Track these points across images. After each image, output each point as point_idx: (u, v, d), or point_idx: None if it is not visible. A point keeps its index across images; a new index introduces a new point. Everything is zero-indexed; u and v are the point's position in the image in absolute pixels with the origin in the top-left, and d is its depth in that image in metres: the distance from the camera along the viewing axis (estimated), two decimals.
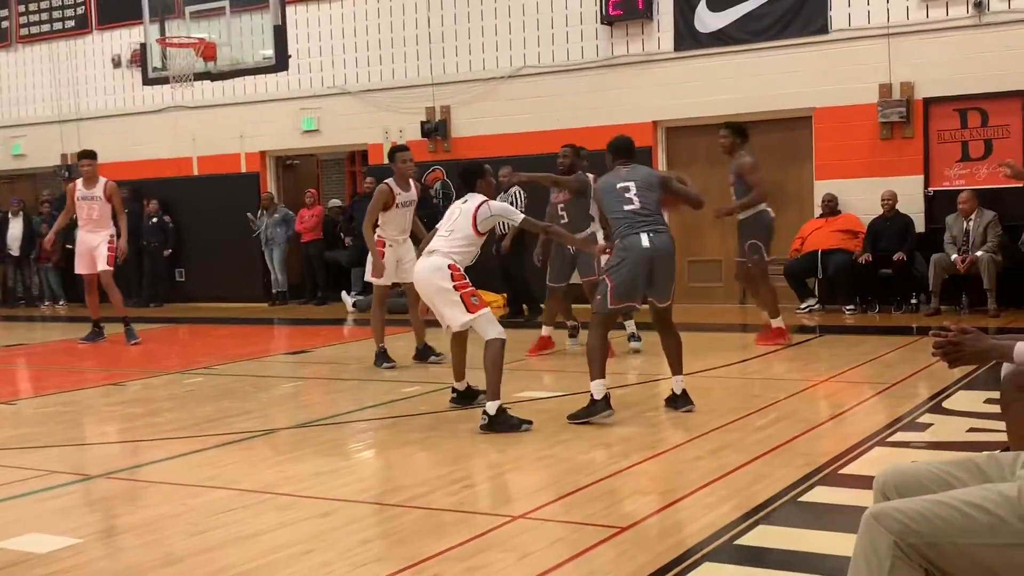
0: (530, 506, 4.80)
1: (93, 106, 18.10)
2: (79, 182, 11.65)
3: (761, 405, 7.01)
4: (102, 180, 11.62)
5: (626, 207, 6.70)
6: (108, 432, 7.11)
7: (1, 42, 18.98)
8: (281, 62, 12.34)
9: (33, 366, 11.11)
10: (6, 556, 4.31)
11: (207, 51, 12.15)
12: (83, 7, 18.08)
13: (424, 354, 9.40)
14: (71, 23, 18.25)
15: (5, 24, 18.87)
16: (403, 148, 9.46)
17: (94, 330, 11.83)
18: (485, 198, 6.92)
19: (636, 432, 6.37)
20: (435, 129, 15.13)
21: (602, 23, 14.00)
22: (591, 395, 6.55)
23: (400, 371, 9.05)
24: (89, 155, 11.70)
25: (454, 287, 6.55)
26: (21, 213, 17.97)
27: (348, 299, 15.09)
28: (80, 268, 11.80)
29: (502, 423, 6.34)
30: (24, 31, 18.76)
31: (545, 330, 9.80)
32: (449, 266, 6.61)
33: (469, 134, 15.00)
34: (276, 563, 4.10)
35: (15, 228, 17.93)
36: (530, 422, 6.42)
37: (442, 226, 6.89)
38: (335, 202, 16.85)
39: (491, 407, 6.37)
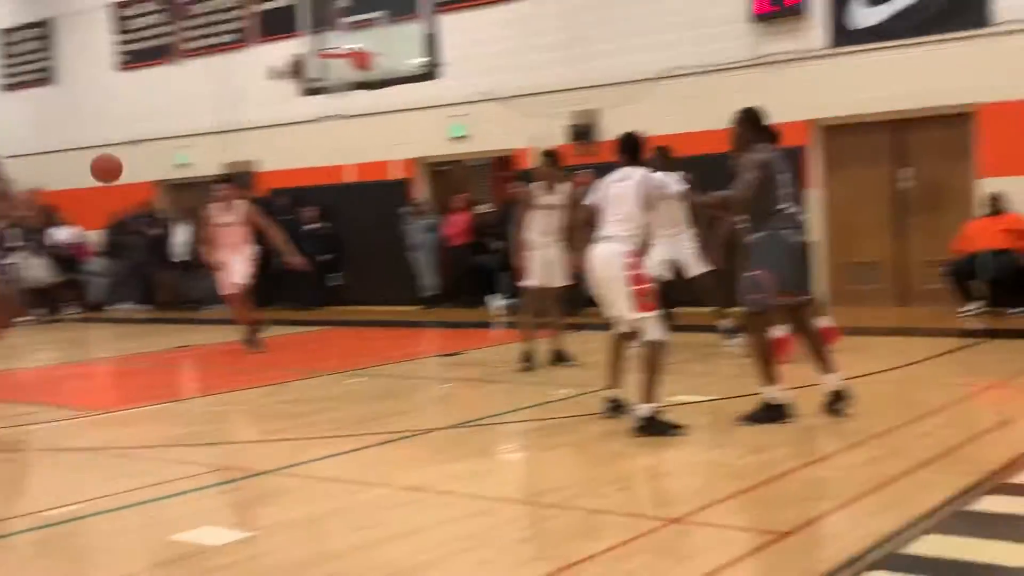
0: (685, 511, 4.78)
1: (253, 116, 18.79)
2: (214, 207, 11.54)
3: (923, 411, 6.79)
4: (239, 204, 11.57)
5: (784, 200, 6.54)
6: (273, 430, 7.38)
7: (167, 56, 19.91)
8: (433, 70, 12.55)
9: (200, 367, 11.62)
10: (182, 548, 4.54)
11: (362, 61, 12.48)
12: (244, 21, 18.82)
13: (559, 359, 9.45)
14: (231, 37, 19.01)
15: (172, 40, 19.79)
16: (547, 152, 9.55)
17: (254, 336, 11.76)
18: (646, 171, 6.75)
19: (792, 437, 6.26)
20: (584, 133, 15.17)
21: (752, 21, 13.80)
22: (767, 400, 6.45)
23: (550, 374, 9.12)
24: (226, 179, 11.76)
25: (630, 279, 6.42)
26: (186, 220, 18.77)
27: (495, 303, 15.26)
28: (225, 291, 11.74)
29: (655, 427, 6.31)
30: (187, 45, 19.63)
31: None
32: (627, 253, 6.46)
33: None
34: (437, 560, 4.20)
35: (181, 234, 18.76)
36: (684, 427, 6.37)
37: (609, 211, 6.67)
38: (483, 207, 17.08)
39: (645, 410, 6.34)
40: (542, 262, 9.30)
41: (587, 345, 9.77)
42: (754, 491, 5.07)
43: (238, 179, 18.80)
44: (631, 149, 6.84)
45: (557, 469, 5.87)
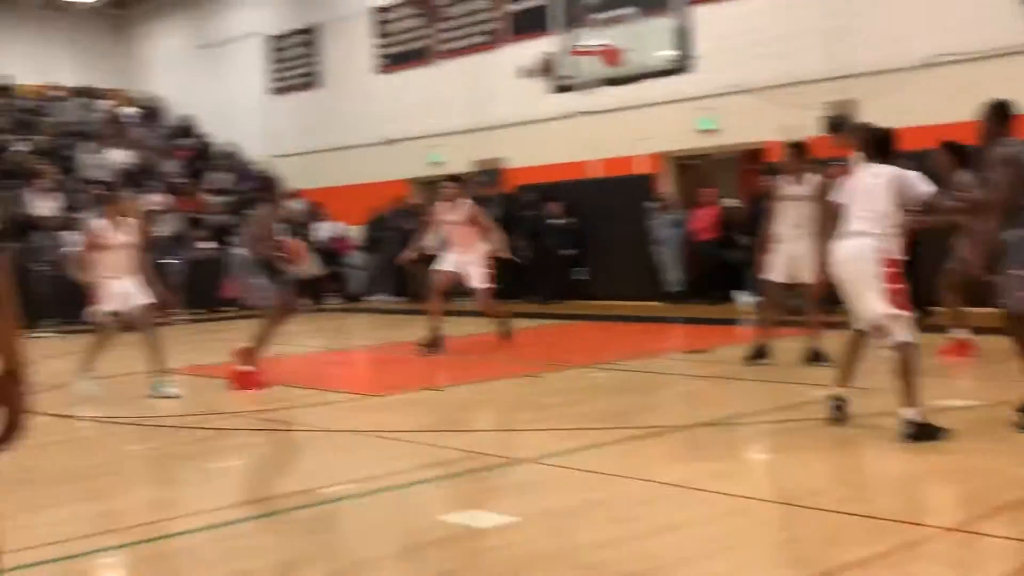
0: (960, 519, 4.57)
1: (503, 114, 19.26)
2: (441, 206, 11.61)
3: None
4: (464, 203, 11.55)
5: None
6: (529, 419, 7.57)
7: (422, 59, 20.72)
8: (684, 64, 12.47)
9: (452, 356, 12.02)
10: (450, 529, 4.74)
11: (612, 57, 12.55)
12: (495, 22, 19.32)
13: (815, 358, 9.18)
14: (485, 37, 19.56)
15: (427, 43, 20.57)
16: (794, 144, 9.35)
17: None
18: (898, 169, 6.49)
19: None
20: (839, 124, 14.67)
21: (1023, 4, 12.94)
22: None
23: (803, 372, 8.89)
24: (454, 178, 11.92)
25: (884, 277, 6.21)
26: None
27: (742, 299, 15.01)
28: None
29: (923, 431, 6.04)
30: (443, 47, 20.35)
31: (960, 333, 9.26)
32: (880, 249, 6.24)
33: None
34: (694, 557, 4.20)
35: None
36: (951, 431, 6.08)
37: (857, 206, 6.44)
38: (730, 201, 16.82)
39: (910, 414, 6.09)
40: (787, 257, 9.10)
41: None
42: None
43: (486, 176, 19.43)
44: (881, 144, 6.61)
45: (813, 471, 5.73)
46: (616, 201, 17.34)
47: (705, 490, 5.22)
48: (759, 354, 9.40)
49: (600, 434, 6.69)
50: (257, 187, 9.74)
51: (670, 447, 6.46)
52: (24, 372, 2.40)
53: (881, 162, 6.53)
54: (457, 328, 14.44)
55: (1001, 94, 13.24)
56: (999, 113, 6.51)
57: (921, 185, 6.49)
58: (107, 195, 9.81)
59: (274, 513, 5.28)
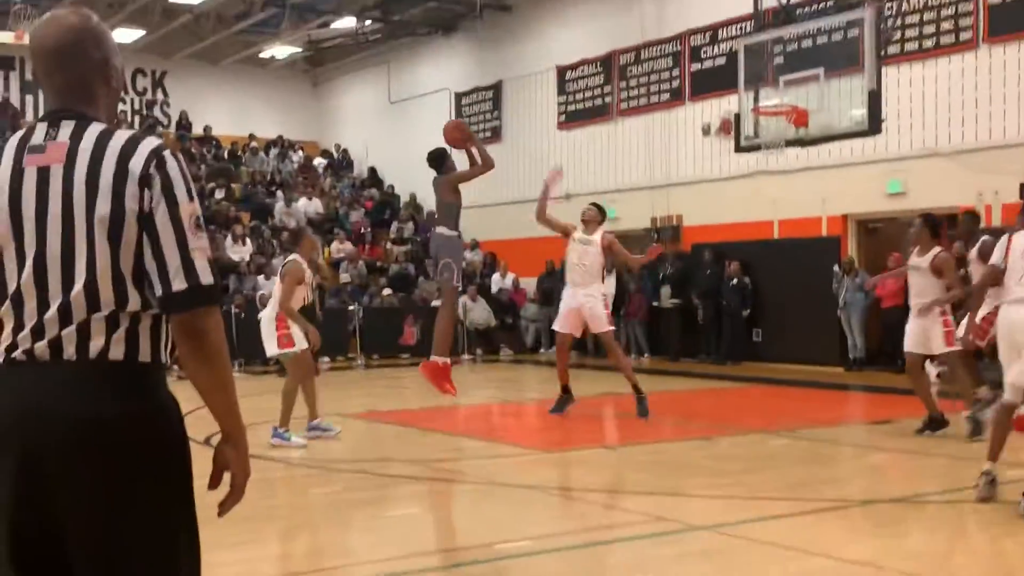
0: None
1: (682, 172, 19.20)
2: (578, 228, 10.69)
3: None
4: (601, 229, 10.73)
5: None
6: (705, 485, 7.43)
7: (603, 116, 20.90)
8: (874, 126, 12.18)
9: (622, 414, 11.93)
10: None
11: (799, 118, 12.36)
12: (678, 80, 19.34)
13: (935, 425, 9.01)
14: (666, 95, 19.59)
15: (608, 100, 20.75)
16: (969, 212, 9.14)
17: (562, 396, 10.94)
18: None
19: None
20: None
21: None
22: None
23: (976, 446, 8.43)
24: (595, 204, 11.10)
25: None
26: (614, 270, 19.48)
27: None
28: (562, 326, 10.76)
29: None
30: (624, 104, 20.48)
31: None
32: None
33: None
34: None
35: (609, 285, 19.44)
36: None
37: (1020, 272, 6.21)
38: None
39: None
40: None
41: None
42: None
43: (664, 233, 19.36)
44: None
45: (1003, 551, 5.41)
46: (796, 262, 16.96)
47: (897, 570, 4.99)
48: (933, 424, 9.04)
49: (782, 505, 6.50)
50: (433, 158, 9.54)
51: (857, 522, 6.22)
52: (243, 437, 2.39)
53: None
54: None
55: None
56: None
57: None
58: (298, 234, 10.19)
59: (451, 566, 5.34)
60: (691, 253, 18.75)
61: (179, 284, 2.25)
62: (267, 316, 9.23)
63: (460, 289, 10.55)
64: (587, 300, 10.50)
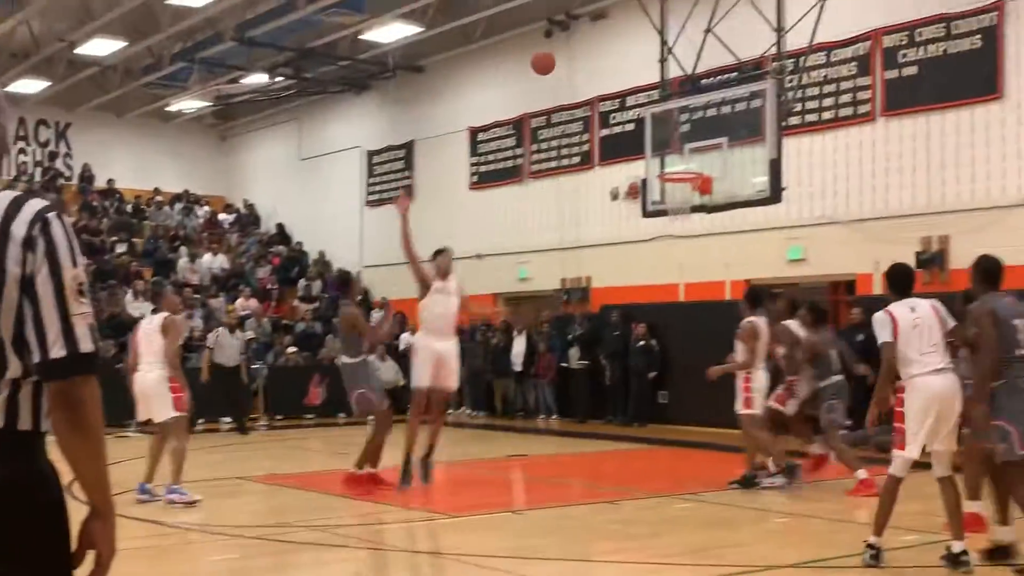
0: None
1: (591, 234, 19.41)
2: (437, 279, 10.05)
3: None
4: (453, 278, 10.17)
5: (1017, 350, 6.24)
6: (609, 551, 7.41)
7: (514, 178, 21.07)
8: (775, 194, 12.49)
9: (529, 477, 11.92)
10: None
11: (704, 185, 12.61)
12: (588, 144, 19.63)
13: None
14: (576, 159, 19.86)
15: (520, 162, 20.95)
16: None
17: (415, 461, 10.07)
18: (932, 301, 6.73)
19: None
20: (931, 260, 14.47)
21: None
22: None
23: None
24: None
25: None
26: (524, 332, 19.52)
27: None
28: (424, 379, 10.02)
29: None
30: (535, 167, 20.69)
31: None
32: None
33: (969, 265, 14.14)
34: None
35: (518, 345, 19.48)
36: None
37: (922, 341, 6.43)
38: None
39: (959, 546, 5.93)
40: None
41: None
42: None
43: (572, 294, 19.52)
44: (904, 282, 6.83)
45: None
46: (701, 325, 17.16)
47: None
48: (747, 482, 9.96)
49: (687, 571, 6.51)
50: (336, 284, 9.51)
51: None
52: (111, 512, 2.29)
53: (906, 296, 6.68)
54: (540, 446, 14.36)
55: None
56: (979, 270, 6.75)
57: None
58: (158, 290, 10.03)
59: None
60: (599, 314, 18.90)
61: (58, 351, 2.18)
62: (157, 377, 9.00)
63: (388, 405, 10.37)
64: (449, 351, 10.08)
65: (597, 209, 19.38)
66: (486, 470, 11.50)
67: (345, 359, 10.13)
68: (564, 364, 18.93)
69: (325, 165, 25.84)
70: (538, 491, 10.54)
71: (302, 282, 24.13)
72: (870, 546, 6.49)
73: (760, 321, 10.26)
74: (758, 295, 10.80)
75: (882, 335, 6.49)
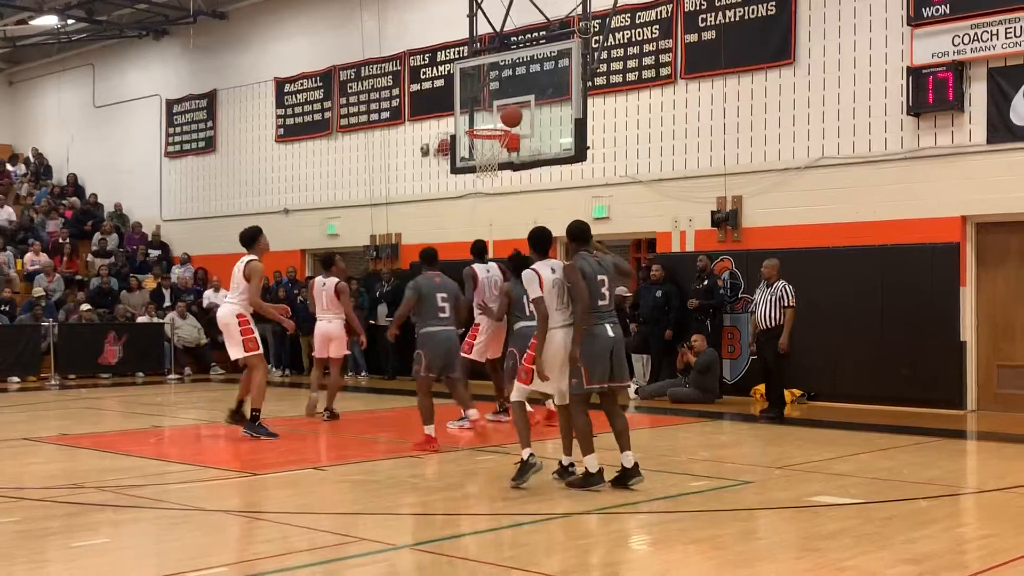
0: None
1: (401, 191, 19.31)
2: (318, 279, 12.76)
3: None
4: (331, 280, 12.57)
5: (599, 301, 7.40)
6: (411, 503, 7.43)
7: (323, 131, 20.69)
8: (580, 153, 12.71)
9: (337, 433, 11.80)
10: None
11: (511, 143, 12.70)
12: (397, 100, 19.45)
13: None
14: (386, 115, 19.65)
15: (328, 115, 20.58)
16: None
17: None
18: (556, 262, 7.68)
19: (939, 548, 5.98)
20: (725, 219, 15.09)
21: (908, 114, 13.53)
22: (586, 469, 7.39)
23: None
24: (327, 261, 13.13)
25: None
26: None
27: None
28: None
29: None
30: (344, 121, 20.36)
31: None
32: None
33: (760, 224, 14.85)
34: None
35: None
36: None
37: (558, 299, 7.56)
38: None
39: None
40: None
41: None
42: None
43: (381, 250, 19.39)
44: (544, 244, 7.79)
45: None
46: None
47: None
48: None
49: (484, 520, 6.58)
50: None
51: (551, 536, 6.38)
52: None
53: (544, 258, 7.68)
54: (347, 404, 14.23)
55: (885, 198, 13.88)
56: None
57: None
58: None
59: None
60: (410, 271, 18.84)
61: None
62: None
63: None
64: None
65: (407, 165, 19.30)
66: (288, 428, 11.33)
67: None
68: (372, 321, 18.82)
69: (122, 113, 24.70)
70: (345, 448, 10.46)
71: (97, 236, 23.02)
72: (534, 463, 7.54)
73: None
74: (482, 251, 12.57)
75: (533, 290, 7.41)
